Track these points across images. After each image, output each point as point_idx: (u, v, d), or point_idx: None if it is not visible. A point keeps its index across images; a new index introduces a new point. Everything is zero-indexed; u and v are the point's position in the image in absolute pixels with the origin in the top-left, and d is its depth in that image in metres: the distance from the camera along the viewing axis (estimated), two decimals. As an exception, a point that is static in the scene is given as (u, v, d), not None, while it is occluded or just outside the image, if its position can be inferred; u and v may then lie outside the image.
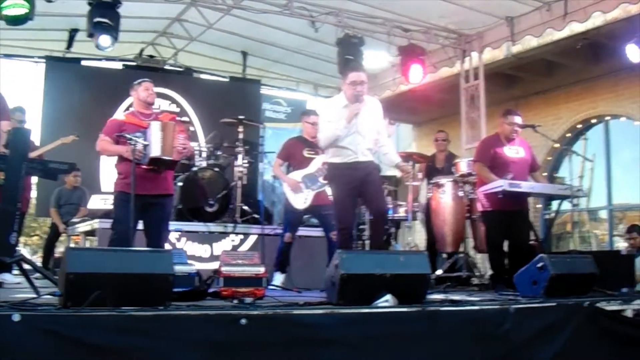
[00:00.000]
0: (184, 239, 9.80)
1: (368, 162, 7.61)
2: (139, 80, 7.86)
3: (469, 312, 5.79)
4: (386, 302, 5.55)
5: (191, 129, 12.41)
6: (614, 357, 6.40)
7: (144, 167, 7.23)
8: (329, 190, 9.31)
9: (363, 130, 7.51)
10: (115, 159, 7.69)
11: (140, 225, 7.49)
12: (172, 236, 9.61)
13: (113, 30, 10.41)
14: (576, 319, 6.23)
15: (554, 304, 6.25)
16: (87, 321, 4.38)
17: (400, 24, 12.58)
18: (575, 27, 13.78)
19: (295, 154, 9.36)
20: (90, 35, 10.46)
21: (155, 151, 7.22)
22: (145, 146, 7.17)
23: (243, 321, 4.76)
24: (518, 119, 8.93)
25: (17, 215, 6.51)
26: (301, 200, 9.10)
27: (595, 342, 6.30)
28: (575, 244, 15.12)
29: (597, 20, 13.52)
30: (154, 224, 7.62)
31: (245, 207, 10.63)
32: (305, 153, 9.27)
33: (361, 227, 10.20)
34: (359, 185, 7.55)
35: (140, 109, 7.75)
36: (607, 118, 16.97)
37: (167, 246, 8.84)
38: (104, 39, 10.38)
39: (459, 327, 5.61)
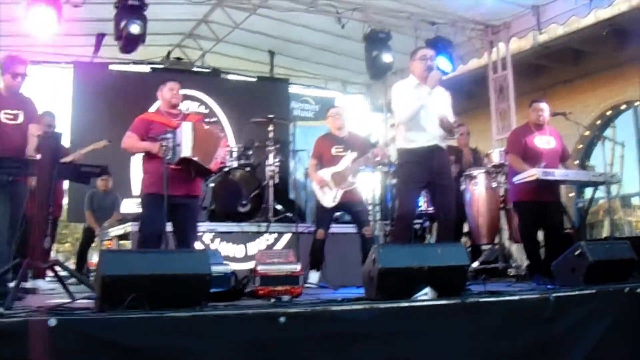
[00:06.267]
0: (217, 240, 9.77)
1: (442, 151, 7.71)
2: (165, 80, 7.92)
3: (509, 302, 5.72)
4: (425, 296, 5.50)
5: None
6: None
7: (173, 167, 7.21)
8: (359, 188, 9.34)
9: (436, 112, 7.61)
10: (141, 160, 7.72)
11: (168, 228, 7.47)
12: (206, 237, 9.63)
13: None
14: (617, 305, 6.14)
15: (594, 290, 6.16)
16: (124, 324, 4.35)
17: (426, 17, 12.52)
18: (600, 14, 13.70)
19: (324, 152, 9.29)
20: (118, 39, 10.47)
21: (185, 152, 7.20)
22: (175, 146, 7.17)
23: (282, 319, 4.71)
24: (544, 105, 8.86)
25: (50, 220, 6.52)
26: (330, 199, 9.05)
27: (638, 327, 6.22)
28: (608, 232, 14.95)
29: (622, 6, 13.44)
30: (184, 224, 7.65)
31: (278, 206, 10.61)
32: (334, 151, 9.21)
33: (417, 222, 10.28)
34: (429, 181, 7.63)
35: (166, 109, 7.78)
36: (637, 104, 16.86)
37: (200, 247, 8.87)
38: (133, 26, 10.35)
39: (499, 317, 5.55)
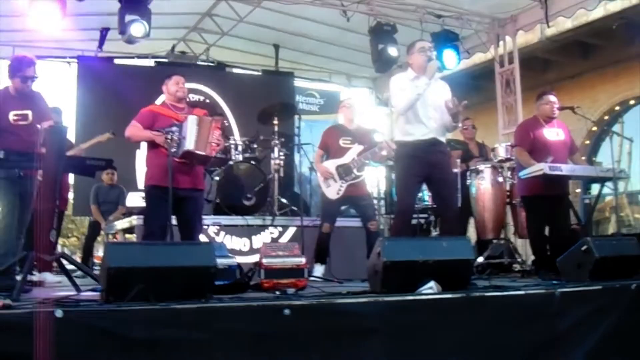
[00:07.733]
0: (222, 233, 9.75)
1: (440, 145, 7.71)
2: (170, 74, 7.94)
3: (514, 297, 5.72)
4: (430, 289, 5.48)
5: (225, 123, 12.37)
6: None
7: (177, 160, 7.22)
8: (366, 181, 9.30)
9: (434, 104, 7.61)
10: (145, 154, 7.70)
11: (173, 221, 7.42)
12: (211, 230, 9.61)
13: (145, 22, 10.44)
14: (623, 302, 6.13)
15: (599, 287, 6.14)
16: (130, 316, 4.36)
17: (432, 10, 12.47)
18: (610, 7, 13.61)
19: (332, 143, 9.26)
20: (122, 33, 10.46)
21: (189, 145, 7.22)
22: (181, 139, 7.16)
23: (286, 312, 4.72)
24: (553, 98, 8.82)
25: (56, 213, 6.52)
26: (334, 191, 9.02)
27: (643, 324, 6.21)
28: (615, 229, 14.86)
29: (633, -2, 13.39)
30: (188, 218, 7.63)
31: (283, 200, 10.59)
32: (342, 142, 9.17)
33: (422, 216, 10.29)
34: (427, 175, 7.61)
35: (172, 102, 7.78)
36: (646, 99, 16.72)
37: (205, 240, 8.86)
38: (137, 28, 10.36)
39: (504, 312, 5.54)
